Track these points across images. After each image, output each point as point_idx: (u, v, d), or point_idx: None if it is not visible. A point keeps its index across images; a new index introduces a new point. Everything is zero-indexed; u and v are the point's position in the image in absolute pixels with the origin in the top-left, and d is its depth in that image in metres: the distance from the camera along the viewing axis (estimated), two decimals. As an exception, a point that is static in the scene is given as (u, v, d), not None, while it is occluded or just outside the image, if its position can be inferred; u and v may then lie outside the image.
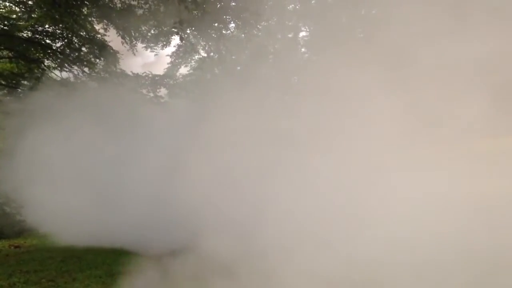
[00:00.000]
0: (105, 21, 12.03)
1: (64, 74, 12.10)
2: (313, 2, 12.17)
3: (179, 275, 5.28)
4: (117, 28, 12.12)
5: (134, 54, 12.95)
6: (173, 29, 12.92)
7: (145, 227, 7.69)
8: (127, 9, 11.69)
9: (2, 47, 11.10)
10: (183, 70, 15.46)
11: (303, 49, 12.83)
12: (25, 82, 12.21)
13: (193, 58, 15.00)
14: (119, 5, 11.71)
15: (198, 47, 13.98)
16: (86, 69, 12.28)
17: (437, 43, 5.61)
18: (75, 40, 11.82)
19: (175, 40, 13.81)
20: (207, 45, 13.71)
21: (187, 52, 14.56)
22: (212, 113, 8.01)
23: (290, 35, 12.87)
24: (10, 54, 11.49)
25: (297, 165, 6.44)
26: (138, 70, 13.14)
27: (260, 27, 12.42)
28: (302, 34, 13.09)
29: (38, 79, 11.83)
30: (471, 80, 5.02)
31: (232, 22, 12.78)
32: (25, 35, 11.17)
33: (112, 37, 12.34)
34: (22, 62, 11.70)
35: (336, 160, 6.00)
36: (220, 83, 12.00)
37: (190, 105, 11.07)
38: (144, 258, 6.80)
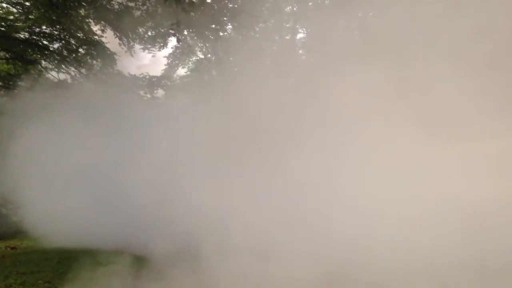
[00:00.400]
0: (102, 22, 12.04)
1: (61, 75, 12.10)
2: (310, 4, 12.20)
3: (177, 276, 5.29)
4: (114, 29, 12.12)
5: (132, 56, 12.98)
6: (170, 31, 12.92)
7: (142, 228, 7.67)
8: (125, 11, 11.71)
9: (-1, 48, 11.10)
10: (181, 71, 15.47)
11: (300, 51, 12.87)
12: (22, 83, 12.18)
13: (191, 59, 14.99)
14: (116, 7, 11.72)
15: (196, 48, 14.00)
16: (83, 70, 12.27)
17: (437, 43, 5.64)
18: (72, 41, 11.83)
19: (173, 41, 13.84)
20: (204, 47, 13.73)
21: (184, 54, 14.56)
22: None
23: (287, 37, 12.91)
24: (7, 55, 11.48)
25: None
26: (135, 71, 13.17)
27: (257, 28, 12.44)
28: (299, 36, 13.15)
29: (35, 80, 11.81)
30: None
31: (229, 24, 12.81)
32: (22, 36, 11.17)
33: (109, 39, 12.36)
34: (19, 63, 11.69)
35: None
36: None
37: (187, 106, 11.06)
38: (142, 259, 6.79)
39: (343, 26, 8.73)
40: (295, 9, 12.72)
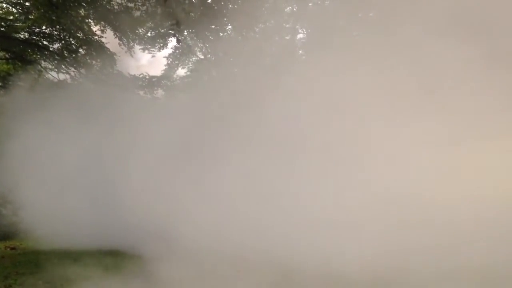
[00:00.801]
0: (102, 22, 12.03)
1: (61, 76, 12.09)
2: (310, 4, 12.19)
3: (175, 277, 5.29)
4: (114, 29, 12.12)
5: (132, 56, 12.97)
6: (170, 31, 12.92)
7: (141, 228, 7.67)
8: (124, 11, 11.70)
9: (-1, 48, 11.10)
10: (180, 71, 15.45)
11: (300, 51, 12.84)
12: (22, 83, 12.17)
13: (190, 60, 14.96)
14: (116, 7, 11.71)
15: (195, 49, 13.98)
16: (83, 71, 12.26)
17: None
18: (72, 42, 11.82)
19: (172, 42, 13.82)
20: (204, 47, 13.71)
21: (184, 54, 14.53)
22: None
23: (287, 37, 12.88)
24: (7, 55, 11.47)
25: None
26: (135, 71, 13.16)
27: (257, 29, 12.43)
28: (299, 36, 13.13)
29: (34, 80, 11.80)
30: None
31: (229, 24, 12.79)
32: (22, 36, 11.16)
33: (109, 39, 12.35)
34: (19, 63, 11.68)
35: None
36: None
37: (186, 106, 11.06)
38: (140, 259, 6.77)
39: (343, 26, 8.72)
40: (295, 9, 12.71)
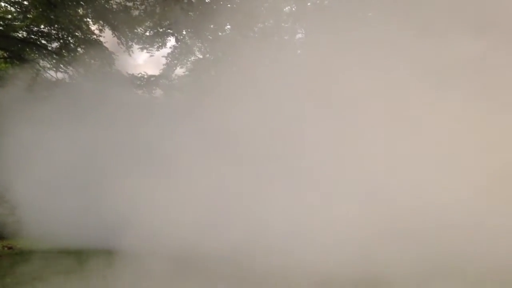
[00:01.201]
0: (100, 21, 12.01)
1: (59, 75, 12.05)
2: (309, 4, 12.19)
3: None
4: (112, 29, 12.09)
5: (130, 55, 12.94)
6: (169, 30, 12.90)
7: (139, 228, 7.64)
8: (123, 10, 11.68)
9: (-3, 47, 11.07)
10: (179, 71, 15.43)
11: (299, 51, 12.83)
12: (20, 83, 12.13)
13: (189, 59, 14.94)
14: (114, 6, 11.69)
15: (194, 48, 13.96)
16: (81, 70, 12.22)
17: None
18: (71, 41, 11.79)
19: (171, 41, 13.81)
20: (202, 47, 13.69)
21: (182, 53, 14.51)
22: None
23: (286, 37, 12.88)
24: (5, 54, 11.43)
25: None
26: (134, 71, 13.14)
27: (256, 29, 12.42)
28: (298, 36, 13.12)
29: (33, 79, 11.76)
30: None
31: (228, 24, 12.77)
32: (20, 35, 11.13)
33: (108, 38, 12.33)
34: (17, 62, 11.64)
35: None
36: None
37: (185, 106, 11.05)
38: (140, 258, 6.75)
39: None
40: (293, 9, 12.71)
